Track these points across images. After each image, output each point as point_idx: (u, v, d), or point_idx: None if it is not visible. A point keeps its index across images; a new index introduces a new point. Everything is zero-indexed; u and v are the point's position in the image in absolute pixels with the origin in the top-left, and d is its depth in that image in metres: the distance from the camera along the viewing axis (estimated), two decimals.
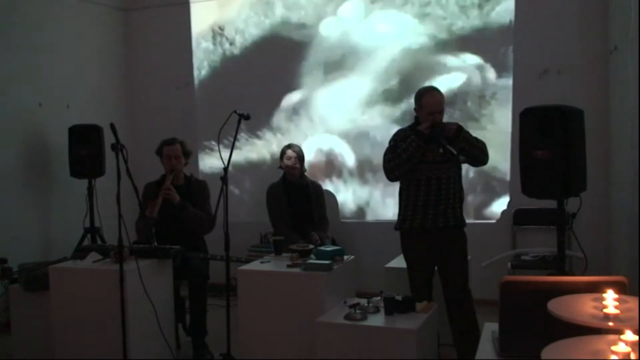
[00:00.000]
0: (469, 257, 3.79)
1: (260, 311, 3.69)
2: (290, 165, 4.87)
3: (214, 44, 6.19)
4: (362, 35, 5.64)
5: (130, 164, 3.32)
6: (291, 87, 5.90)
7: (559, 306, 1.64)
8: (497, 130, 5.19)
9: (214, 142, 5.82)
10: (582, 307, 1.62)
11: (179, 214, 4.24)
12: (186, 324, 4.33)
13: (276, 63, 5.92)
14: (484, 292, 3.93)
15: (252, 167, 6.07)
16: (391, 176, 3.69)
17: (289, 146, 4.96)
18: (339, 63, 5.72)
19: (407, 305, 3.22)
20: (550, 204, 3.12)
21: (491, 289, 2.60)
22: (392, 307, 3.19)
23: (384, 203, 5.60)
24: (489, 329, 2.30)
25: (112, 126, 3.29)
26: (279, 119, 5.96)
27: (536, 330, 1.84)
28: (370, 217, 5.69)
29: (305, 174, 5.05)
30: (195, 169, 6.07)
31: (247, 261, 4.26)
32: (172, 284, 3.92)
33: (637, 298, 1.63)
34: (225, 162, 3.61)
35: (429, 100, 3.61)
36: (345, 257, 3.83)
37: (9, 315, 4.23)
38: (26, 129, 5.26)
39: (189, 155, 4.50)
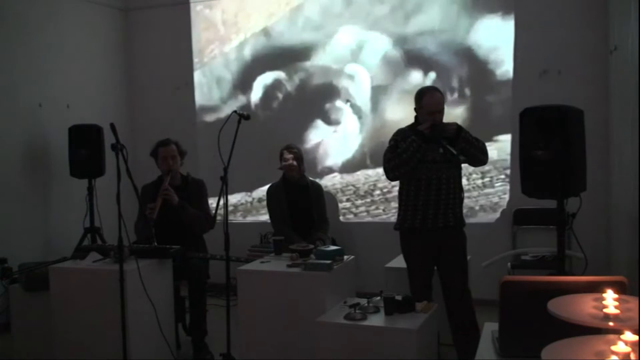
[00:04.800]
0: (468, 257, 3.79)
1: (260, 311, 3.69)
2: (288, 165, 4.87)
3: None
4: None
5: (130, 164, 3.31)
6: None
7: (559, 306, 1.64)
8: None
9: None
10: (582, 307, 1.62)
11: (178, 214, 4.24)
12: (186, 324, 4.34)
13: None
14: (484, 292, 3.93)
15: None
16: (391, 176, 3.69)
17: (287, 147, 4.95)
18: None
19: (407, 305, 3.22)
20: (550, 204, 3.11)
21: (491, 289, 2.60)
22: (392, 307, 3.19)
23: None
24: (489, 329, 2.30)
25: (112, 126, 3.29)
26: None
27: (536, 330, 1.83)
28: None
29: (305, 173, 5.05)
30: (195, 169, 6.05)
31: (247, 261, 4.25)
32: (172, 284, 3.91)
33: (637, 298, 1.63)
34: (225, 162, 3.60)
35: (429, 100, 3.60)
36: (345, 257, 3.83)
37: (9, 315, 4.24)
38: (26, 129, 5.26)
39: (184, 155, 4.50)
